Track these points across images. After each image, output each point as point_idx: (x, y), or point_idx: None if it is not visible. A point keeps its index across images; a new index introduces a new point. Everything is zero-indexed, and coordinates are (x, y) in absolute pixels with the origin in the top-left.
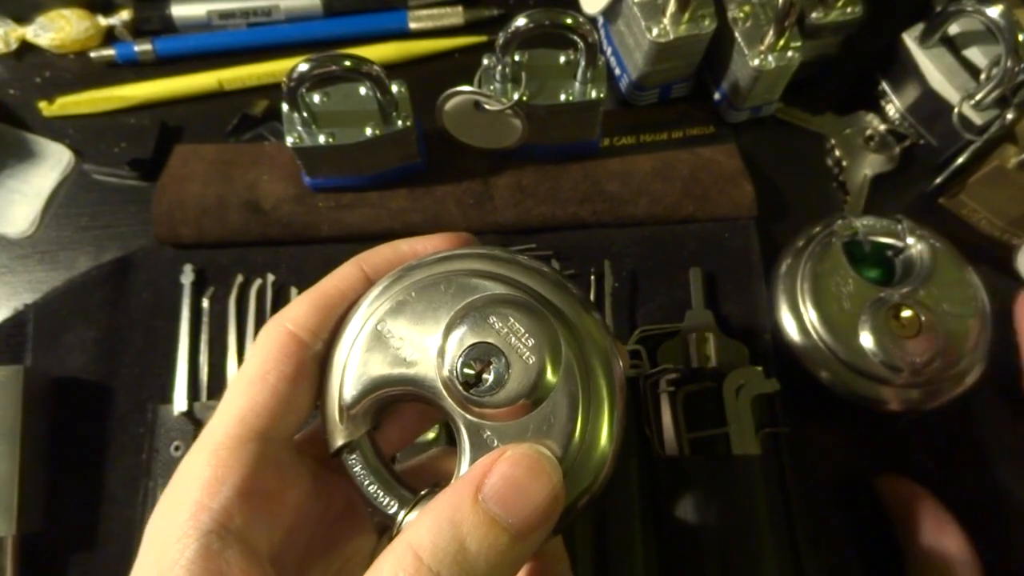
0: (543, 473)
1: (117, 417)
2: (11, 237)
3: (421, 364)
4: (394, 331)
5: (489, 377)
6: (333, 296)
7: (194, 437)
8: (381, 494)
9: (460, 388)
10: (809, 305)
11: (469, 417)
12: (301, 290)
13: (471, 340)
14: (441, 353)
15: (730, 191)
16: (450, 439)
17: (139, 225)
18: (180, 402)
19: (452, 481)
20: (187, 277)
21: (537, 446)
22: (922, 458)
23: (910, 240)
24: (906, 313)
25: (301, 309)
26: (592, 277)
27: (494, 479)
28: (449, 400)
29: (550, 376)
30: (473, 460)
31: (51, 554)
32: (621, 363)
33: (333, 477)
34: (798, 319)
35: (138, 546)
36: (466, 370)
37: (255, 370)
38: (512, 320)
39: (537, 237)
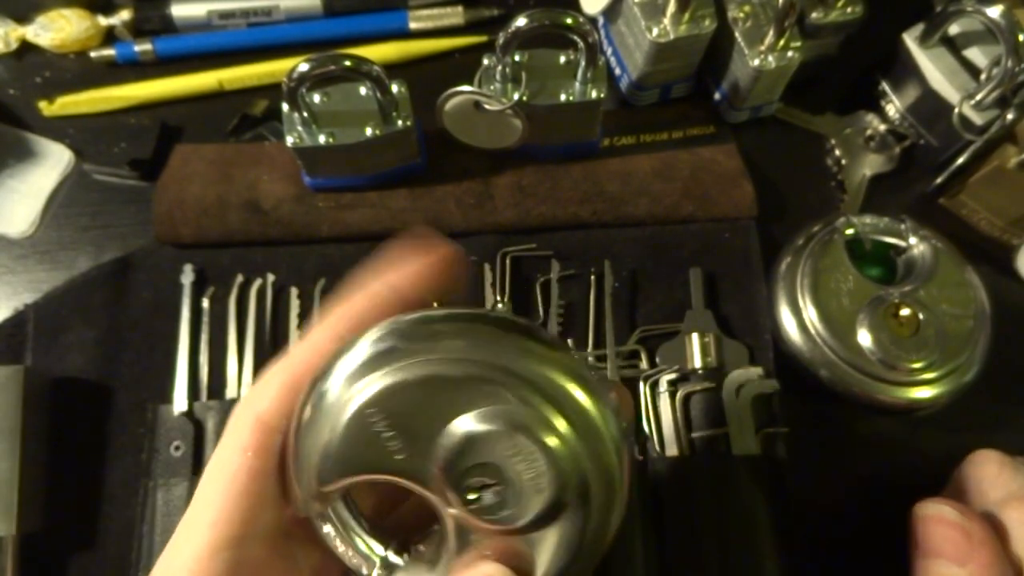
0: None
1: (117, 417)
2: (11, 237)
3: (412, 462)
4: (384, 420)
5: (491, 497)
6: (306, 376)
7: (194, 437)
8: (352, 554)
9: (459, 501)
10: (808, 302)
11: (458, 516)
12: (301, 291)
13: (480, 460)
14: (442, 461)
15: (730, 191)
16: None
17: (139, 225)
18: (180, 402)
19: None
20: (187, 277)
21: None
22: (921, 458)
23: (913, 240)
24: (905, 312)
25: (272, 394)
26: (592, 277)
27: None
28: (439, 502)
29: (560, 505)
30: (458, 552)
31: (51, 554)
32: (632, 448)
33: (317, 556)
34: (797, 316)
35: (138, 546)
36: (469, 488)
37: (226, 467)
38: (526, 440)
39: (537, 237)
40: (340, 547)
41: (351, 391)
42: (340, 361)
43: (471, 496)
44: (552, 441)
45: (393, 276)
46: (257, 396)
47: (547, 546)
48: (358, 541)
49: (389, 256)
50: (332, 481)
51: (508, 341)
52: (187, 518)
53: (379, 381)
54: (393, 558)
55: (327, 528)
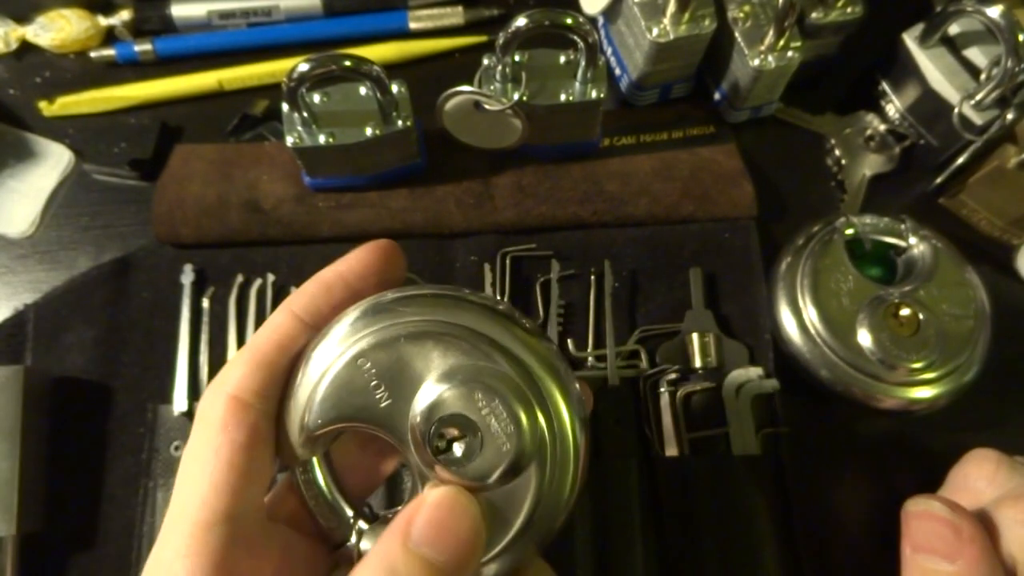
0: (463, 510)
1: (117, 417)
2: (11, 237)
3: (394, 411)
4: (373, 369)
5: (460, 449)
6: (270, 351)
7: None
8: (327, 512)
9: (428, 450)
10: (808, 302)
11: (428, 472)
12: None
13: (452, 410)
14: (418, 411)
15: (730, 191)
16: None
17: (139, 225)
18: (180, 402)
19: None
20: (187, 277)
21: (454, 488)
22: (921, 459)
23: (913, 240)
24: (904, 312)
25: (239, 371)
26: (592, 277)
27: (419, 523)
28: (413, 452)
29: (521, 465)
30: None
31: (51, 554)
32: (588, 435)
33: (308, 544)
34: (797, 316)
35: (138, 546)
36: (439, 437)
37: (205, 445)
38: (497, 401)
39: (537, 237)
40: (317, 504)
41: (344, 344)
42: (334, 327)
43: (440, 445)
44: (521, 403)
45: (339, 265)
46: (225, 377)
47: (504, 504)
48: (333, 501)
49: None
50: (324, 424)
51: (492, 318)
52: (176, 500)
53: (371, 336)
54: (362, 524)
55: (306, 484)
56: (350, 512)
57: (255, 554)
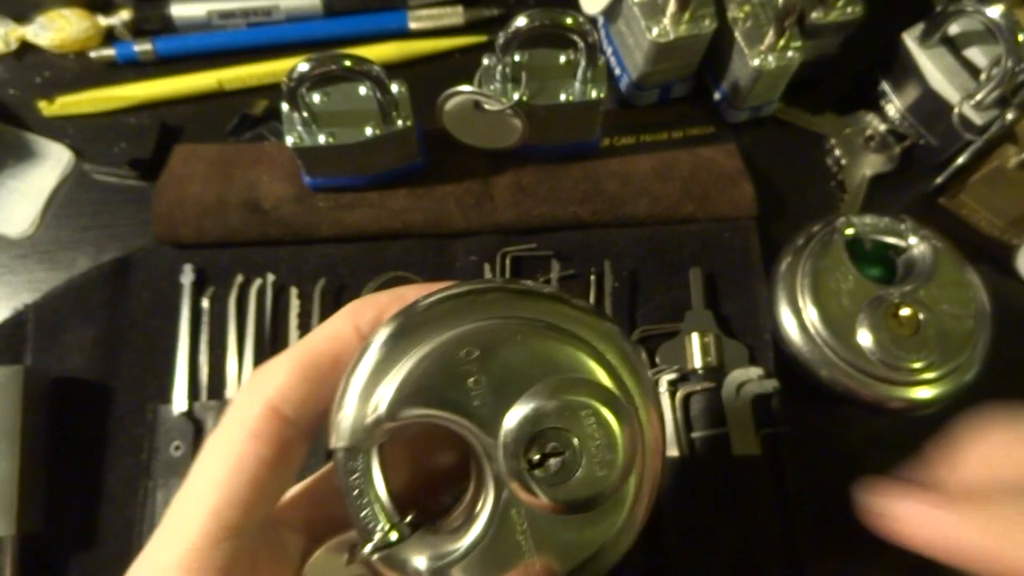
0: None
1: (117, 417)
2: (11, 237)
3: (487, 411)
4: (476, 362)
5: (552, 467)
6: (323, 364)
7: (194, 437)
8: (369, 512)
9: (520, 461)
10: (808, 302)
11: (508, 484)
12: (301, 291)
13: (556, 423)
14: (520, 416)
15: (730, 191)
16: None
17: (139, 225)
18: (180, 402)
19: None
20: (187, 277)
21: None
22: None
23: (913, 240)
24: (904, 312)
25: (285, 378)
26: (592, 277)
27: None
28: (497, 459)
29: (607, 497)
30: (487, 527)
31: (51, 554)
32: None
33: (303, 542)
34: (797, 316)
35: (138, 546)
36: (534, 449)
37: (231, 451)
38: (604, 424)
39: (537, 237)
40: (359, 502)
41: (445, 324)
42: (430, 306)
43: (533, 458)
44: (626, 430)
45: (426, 288)
46: (267, 380)
47: (576, 535)
48: (380, 499)
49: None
50: (408, 412)
51: (598, 327)
52: (185, 500)
53: (480, 321)
54: (405, 529)
55: (355, 476)
56: (395, 516)
57: (258, 568)
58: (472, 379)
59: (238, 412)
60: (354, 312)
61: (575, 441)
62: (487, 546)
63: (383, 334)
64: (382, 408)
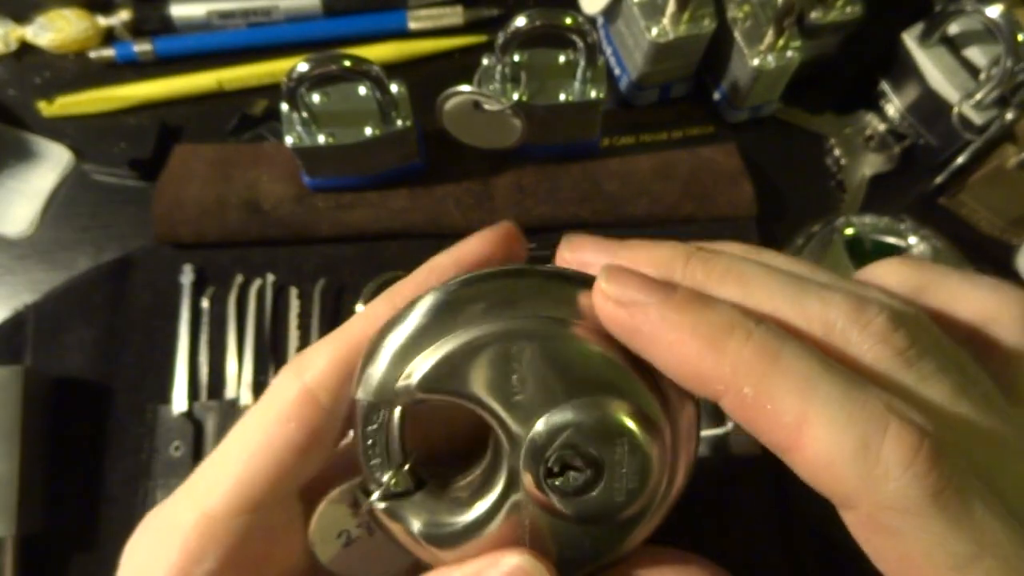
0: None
1: (117, 417)
2: (11, 237)
3: (521, 410)
4: (524, 360)
5: (572, 479)
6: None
7: (194, 438)
8: (378, 464)
9: (541, 467)
10: None
11: (522, 484)
12: (301, 291)
13: (586, 440)
14: (550, 424)
15: (730, 191)
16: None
17: (139, 225)
18: (180, 402)
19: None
20: (187, 277)
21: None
22: None
23: (913, 240)
24: None
25: (323, 362)
26: None
27: None
28: (517, 459)
29: (619, 523)
30: (490, 512)
31: (51, 554)
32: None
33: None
34: None
35: None
36: (560, 460)
37: (262, 431)
38: (637, 455)
39: (537, 237)
40: (371, 452)
41: (499, 310)
42: (493, 270)
43: (555, 468)
44: (657, 458)
45: (457, 250)
46: (306, 362)
47: (576, 539)
48: (391, 451)
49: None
50: (436, 387)
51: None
52: (209, 468)
53: (535, 315)
54: (411, 485)
55: (372, 427)
56: (404, 471)
57: (275, 540)
58: (516, 376)
59: (275, 393)
60: (397, 293)
61: (603, 462)
62: (484, 528)
63: (430, 300)
64: (415, 378)
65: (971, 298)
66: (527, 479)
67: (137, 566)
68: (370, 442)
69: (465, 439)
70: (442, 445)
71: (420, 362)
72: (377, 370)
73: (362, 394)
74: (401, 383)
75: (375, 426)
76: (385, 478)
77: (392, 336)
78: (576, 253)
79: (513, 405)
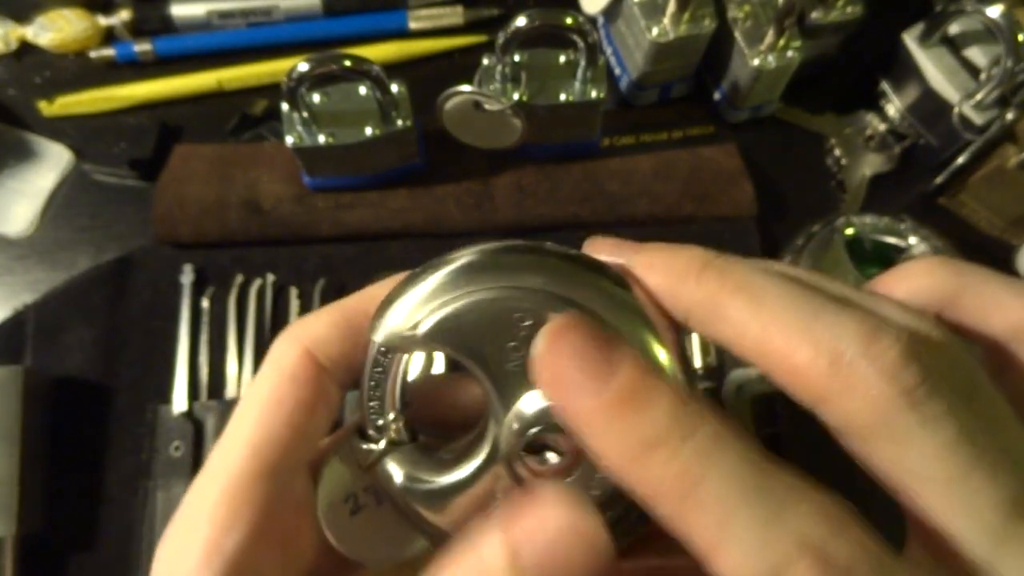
0: (594, 549)
1: (117, 417)
2: (11, 237)
3: (513, 381)
4: (524, 331)
5: (549, 460)
6: (362, 321)
7: (194, 437)
8: (378, 407)
9: (521, 441)
10: None
11: (501, 455)
12: (301, 291)
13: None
14: (536, 400)
15: (730, 191)
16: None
17: (139, 225)
18: (180, 402)
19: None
20: (187, 277)
21: (587, 514)
22: None
23: (913, 240)
24: None
25: (322, 328)
26: None
27: (537, 546)
28: (501, 429)
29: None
30: (471, 477)
31: (51, 554)
32: None
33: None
34: None
35: (137, 547)
36: (540, 438)
37: (270, 393)
38: None
39: (537, 237)
40: (373, 391)
41: (514, 275)
42: (520, 241)
43: (535, 445)
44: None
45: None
46: (305, 328)
47: None
48: (391, 396)
49: None
50: (436, 341)
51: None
52: (224, 441)
53: (546, 291)
54: (404, 433)
55: (379, 370)
56: (400, 418)
57: (301, 513)
58: (513, 344)
59: (275, 357)
60: (397, 278)
61: (579, 452)
62: (461, 492)
63: (452, 259)
64: (421, 329)
65: (1010, 307)
66: (504, 451)
67: (173, 550)
68: (374, 383)
69: (471, 421)
70: (448, 421)
71: (429, 314)
72: (391, 316)
73: (376, 335)
74: (408, 331)
75: (381, 369)
76: (381, 421)
77: (411, 287)
78: (594, 254)
79: (505, 372)
